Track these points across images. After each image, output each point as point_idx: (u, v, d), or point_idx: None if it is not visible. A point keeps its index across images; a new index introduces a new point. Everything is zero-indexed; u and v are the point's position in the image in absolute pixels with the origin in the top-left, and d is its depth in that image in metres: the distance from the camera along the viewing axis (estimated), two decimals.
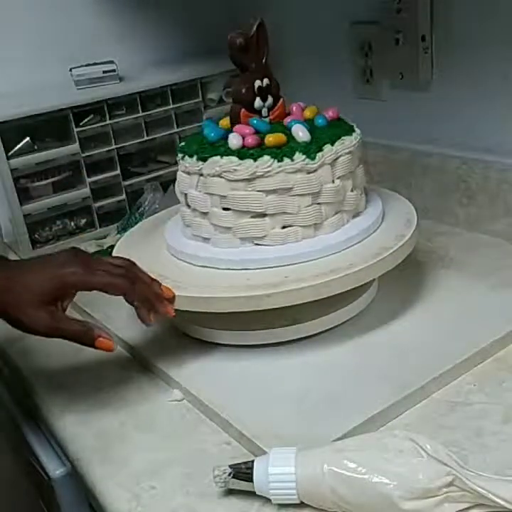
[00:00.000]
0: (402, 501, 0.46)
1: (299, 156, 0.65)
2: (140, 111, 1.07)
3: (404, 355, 0.64)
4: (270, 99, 0.71)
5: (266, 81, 0.70)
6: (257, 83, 0.70)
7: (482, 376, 0.63)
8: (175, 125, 1.11)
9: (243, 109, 0.70)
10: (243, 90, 0.69)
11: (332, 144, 0.67)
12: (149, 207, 1.04)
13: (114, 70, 1.05)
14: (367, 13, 0.97)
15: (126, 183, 1.09)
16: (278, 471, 0.49)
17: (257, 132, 0.67)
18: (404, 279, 0.76)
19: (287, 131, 0.68)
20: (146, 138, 1.09)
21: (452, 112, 0.92)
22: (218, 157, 0.66)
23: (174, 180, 0.74)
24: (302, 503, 0.50)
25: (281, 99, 0.72)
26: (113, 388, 0.68)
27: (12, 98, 1.03)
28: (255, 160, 0.65)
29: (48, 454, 0.72)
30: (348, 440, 0.51)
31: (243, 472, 0.51)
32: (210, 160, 0.67)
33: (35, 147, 1.00)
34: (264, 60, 0.70)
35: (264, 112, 0.71)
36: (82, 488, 0.61)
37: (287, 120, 0.70)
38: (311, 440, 0.52)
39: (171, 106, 1.10)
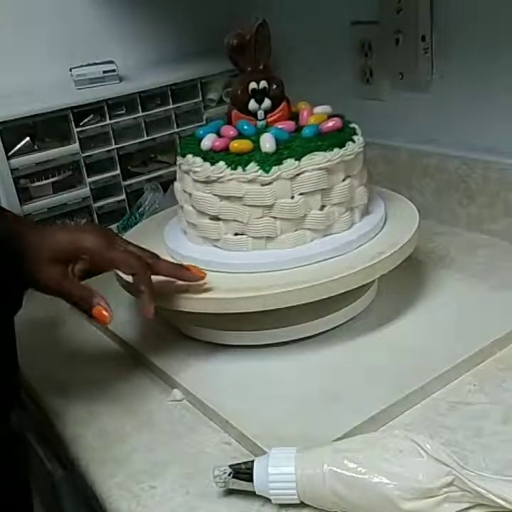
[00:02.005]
0: (402, 501, 0.46)
1: (252, 167, 0.64)
2: (140, 111, 1.07)
3: (405, 355, 0.64)
4: (268, 102, 0.70)
5: (263, 83, 0.69)
6: (252, 85, 0.69)
7: (482, 376, 0.63)
8: (175, 125, 1.11)
9: (235, 110, 0.69)
10: (238, 91, 0.69)
11: (298, 159, 0.64)
12: (149, 207, 1.04)
13: (114, 70, 1.05)
14: (367, 13, 0.97)
15: (126, 183, 1.09)
16: (278, 471, 0.49)
17: (240, 135, 0.67)
18: (405, 279, 0.76)
19: None
20: (146, 138, 1.09)
21: (452, 111, 0.92)
22: (191, 155, 0.68)
23: (174, 179, 0.74)
24: (302, 503, 0.50)
25: (283, 103, 0.71)
26: (113, 388, 0.68)
27: (12, 98, 1.03)
28: (212, 164, 0.65)
29: (48, 454, 0.72)
30: (348, 440, 0.51)
31: (243, 472, 0.51)
32: (186, 157, 0.69)
33: (35, 147, 0.99)
34: (263, 62, 0.69)
35: (260, 114, 0.70)
36: (82, 488, 0.61)
37: (275, 126, 0.69)
38: (311, 440, 0.52)
39: (171, 106, 1.10)
